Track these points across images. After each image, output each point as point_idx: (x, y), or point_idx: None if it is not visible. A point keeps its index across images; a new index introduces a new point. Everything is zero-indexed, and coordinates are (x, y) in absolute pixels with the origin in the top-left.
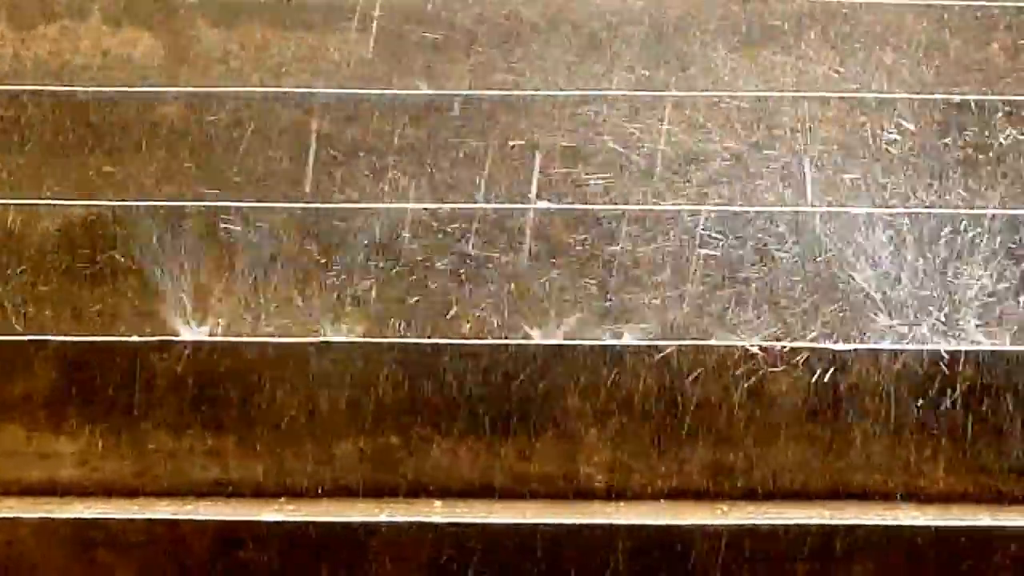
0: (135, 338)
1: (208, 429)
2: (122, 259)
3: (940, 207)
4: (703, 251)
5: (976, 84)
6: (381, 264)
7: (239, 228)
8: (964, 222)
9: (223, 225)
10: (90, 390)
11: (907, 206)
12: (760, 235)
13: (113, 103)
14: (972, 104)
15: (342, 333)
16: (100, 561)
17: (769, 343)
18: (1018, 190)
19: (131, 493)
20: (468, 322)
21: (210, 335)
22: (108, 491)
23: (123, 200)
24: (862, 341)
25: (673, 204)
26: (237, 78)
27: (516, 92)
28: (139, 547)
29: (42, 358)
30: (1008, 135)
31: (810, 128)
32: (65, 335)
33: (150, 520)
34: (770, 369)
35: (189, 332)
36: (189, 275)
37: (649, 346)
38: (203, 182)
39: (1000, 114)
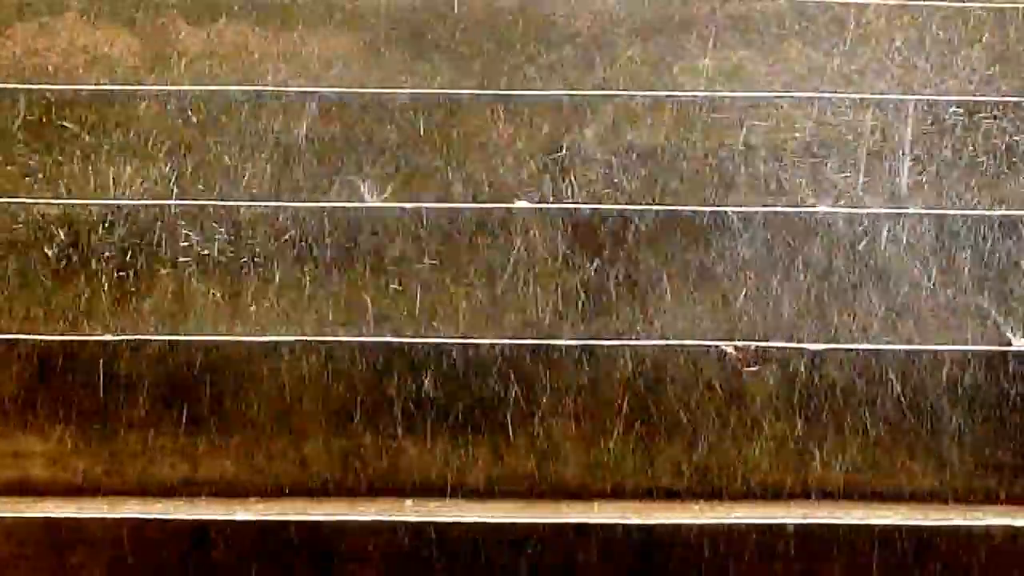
0: (106, 337)
1: (179, 428)
2: (95, 258)
3: (916, 208)
4: (679, 251)
5: (959, 85)
6: (357, 263)
7: (215, 228)
8: (951, 223)
9: (199, 225)
10: (61, 389)
11: (884, 206)
12: (735, 234)
13: (90, 102)
14: (956, 105)
15: (314, 332)
16: (70, 560)
17: (743, 343)
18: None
19: (101, 492)
20: (443, 321)
21: (182, 334)
22: (79, 490)
23: (98, 199)
24: (836, 341)
25: (650, 204)
26: (216, 77)
27: (497, 91)
28: (109, 546)
29: (13, 357)
30: (989, 137)
31: (787, 128)
32: (36, 334)
33: (120, 519)
34: (744, 369)
35: (161, 331)
36: (163, 274)
37: (624, 345)
38: (180, 181)
39: (982, 116)
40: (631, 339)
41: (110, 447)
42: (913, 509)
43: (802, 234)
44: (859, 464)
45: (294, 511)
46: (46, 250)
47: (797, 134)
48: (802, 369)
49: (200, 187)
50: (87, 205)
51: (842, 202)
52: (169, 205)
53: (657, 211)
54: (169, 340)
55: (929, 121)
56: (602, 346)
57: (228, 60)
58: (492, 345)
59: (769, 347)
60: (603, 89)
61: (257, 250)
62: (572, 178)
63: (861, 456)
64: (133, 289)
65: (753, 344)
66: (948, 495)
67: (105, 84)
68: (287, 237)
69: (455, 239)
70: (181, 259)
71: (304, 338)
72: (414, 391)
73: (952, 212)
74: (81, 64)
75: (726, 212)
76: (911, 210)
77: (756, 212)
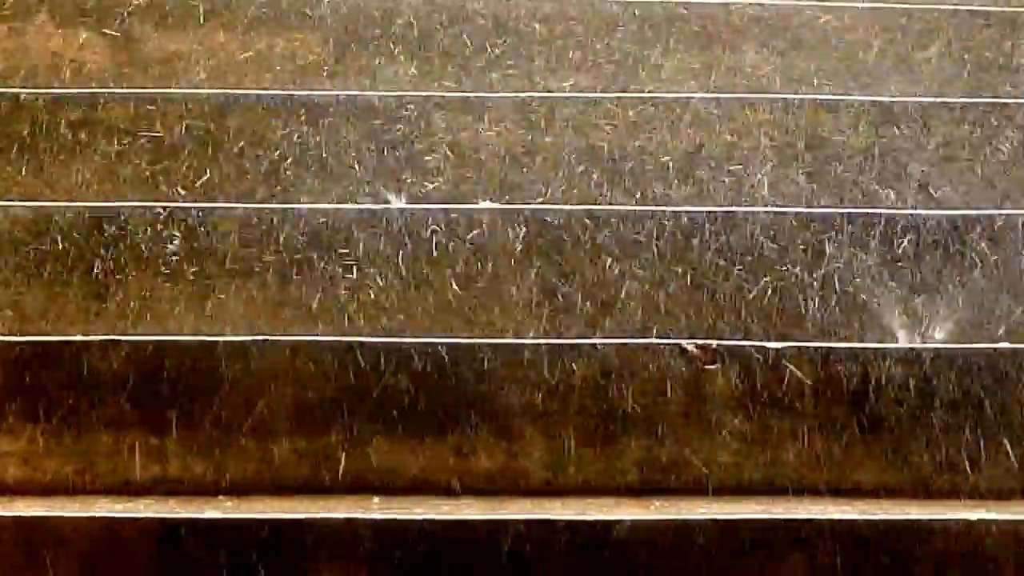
0: (78, 338)
1: (149, 428)
2: (67, 260)
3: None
4: (641, 251)
5: (915, 87)
6: (326, 264)
7: (184, 229)
8: (889, 223)
9: (168, 226)
10: (32, 389)
11: (838, 206)
12: (697, 235)
13: (60, 105)
14: (908, 108)
15: (282, 332)
16: (42, 559)
17: (704, 341)
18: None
19: (73, 492)
20: (409, 321)
21: (151, 335)
22: (50, 490)
23: (69, 201)
24: (795, 339)
25: (612, 205)
26: (185, 80)
27: (462, 93)
28: (81, 545)
29: None
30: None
31: (748, 130)
32: (8, 335)
33: (92, 518)
34: (705, 367)
35: (131, 332)
36: (133, 275)
37: (586, 344)
38: (150, 184)
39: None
40: (594, 338)
41: (81, 447)
42: (870, 504)
43: (757, 235)
44: (817, 460)
45: (263, 509)
46: (16, 251)
47: (753, 135)
48: (761, 367)
49: (168, 189)
50: (58, 208)
51: (796, 203)
52: (138, 207)
53: (620, 211)
54: (139, 340)
55: (882, 123)
56: (565, 345)
57: (196, 64)
58: (457, 345)
59: (729, 345)
60: (566, 90)
61: (226, 251)
62: (536, 178)
63: (819, 452)
64: (103, 290)
65: (714, 342)
66: (905, 490)
67: (75, 88)
68: (255, 238)
69: (420, 239)
70: (150, 260)
71: (272, 337)
72: (380, 390)
73: (900, 211)
74: (51, 67)
75: (687, 212)
76: (859, 209)
77: (717, 212)
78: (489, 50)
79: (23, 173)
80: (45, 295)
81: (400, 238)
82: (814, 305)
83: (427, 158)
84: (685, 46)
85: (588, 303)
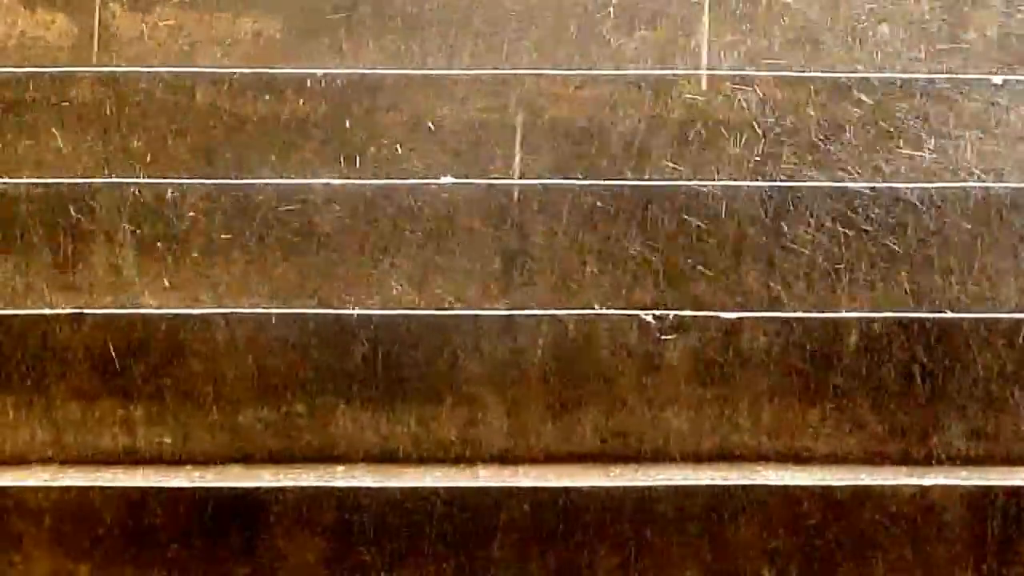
0: (46, 310)
1: (117, 399)
2: (35, 235)
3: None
4: (598, 224)
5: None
6: (291, 237)
7: (150, 204)
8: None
9: (134, 201)
10: (1, 361)
11: (786, 180)
12: (649, 208)
13: (27, 83)
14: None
15: (247, 305)
16: (11, 529)
17: (661, 312)
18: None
19: (42, 462)
20: (371, 293)
21: (120, 307)
22: (19, 460)
23: (37, 178)
24: (749, 308)
25: (568, 179)
26: (150, 59)
27: (424, 70)
28: (50, 514)
29: None
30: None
31: (704, 104)
32: None
33: (61, 488)
34: (662, 337)
35: (99, 304)
36: (100, 249)
37: (546, 315)
38: (115, 160)
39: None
40: (553, 308)
41: (50, 418)
42: (824, 470)
43: (711, 209)
44: (772, 427)
45: (229, 479)
46: None
47: (710, 110)
48: (717, 336)
49: (134, 165)
50: (25, 184)
51: (747, 176)
52: (105, 183)
53: (579, 185)
54: (106, 313)
55: (836, 98)
56: (525, 315)
57: (162, 43)
58: (419, 316)
59: (686, 315)
60: (524, 68)
61: (191, 226)
62: (496, 154)
63: (774, 419)
64: (71, 263)
65: (671, 313)
66: (858, 456)
67: (41, 66)
68: (219, 213)
69: (382, 214)
70: (117, 235)
71: (237, 310)
72: (343, 362)
73: (855, 185)
74: (18, 46)
75: (644, 187)
76: (812, 184)
77: (670, 186)
78: (451, 27)
79: None
80: (13, 269)
81: (362, 213)
82: (768, 274)
83: (389, 135)
84: (627, 25)
85: (547, 274)
